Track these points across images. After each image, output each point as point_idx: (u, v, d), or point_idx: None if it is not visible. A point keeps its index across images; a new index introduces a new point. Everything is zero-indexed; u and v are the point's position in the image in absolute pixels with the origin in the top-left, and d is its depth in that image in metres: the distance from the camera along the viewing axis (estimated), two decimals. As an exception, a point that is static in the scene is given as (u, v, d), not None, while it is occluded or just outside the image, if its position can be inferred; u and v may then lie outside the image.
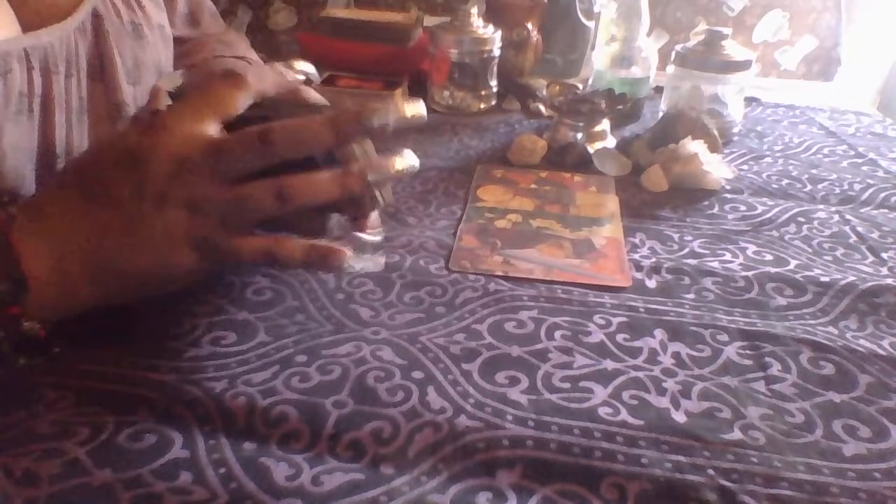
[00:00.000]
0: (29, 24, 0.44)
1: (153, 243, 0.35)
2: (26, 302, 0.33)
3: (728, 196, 0.63)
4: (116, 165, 0.35)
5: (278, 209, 0.35)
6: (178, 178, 0.34)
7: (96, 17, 0.49)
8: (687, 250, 0.53)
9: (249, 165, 0.35)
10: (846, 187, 0.66)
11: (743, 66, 0.75)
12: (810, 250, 0.54)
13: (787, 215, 0.60)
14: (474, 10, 0.82)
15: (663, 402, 0.37)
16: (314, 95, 0.42)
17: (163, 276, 0.36)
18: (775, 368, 0.40)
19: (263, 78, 0.38)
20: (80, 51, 0.48)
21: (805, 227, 0.58)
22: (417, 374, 0.38)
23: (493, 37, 0.83)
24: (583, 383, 0.38)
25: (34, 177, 0.46)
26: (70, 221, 0.34)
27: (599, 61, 0.85)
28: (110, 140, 0.36)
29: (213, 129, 0.36)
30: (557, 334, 0.42)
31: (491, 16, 0.87)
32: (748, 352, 0.41)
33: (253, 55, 0.71)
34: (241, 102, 0.37)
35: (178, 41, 0.63)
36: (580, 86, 0.80)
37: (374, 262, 0.38)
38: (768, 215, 0.60)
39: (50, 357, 0.36)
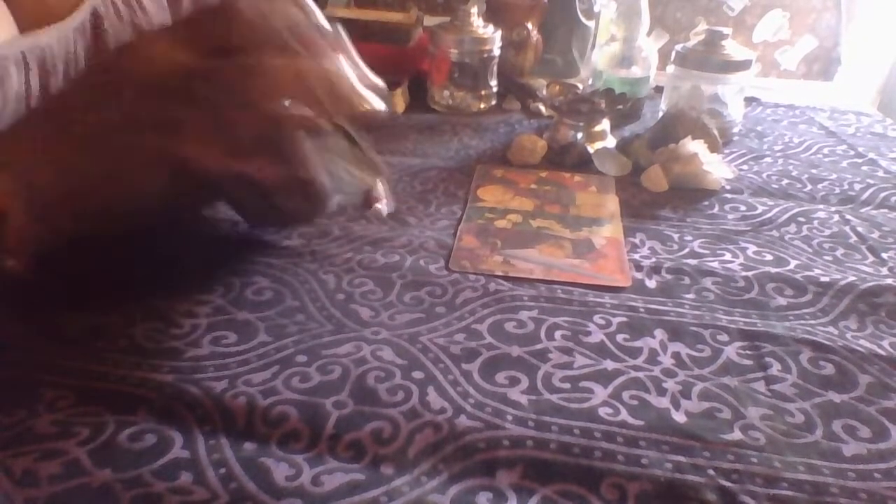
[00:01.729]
0: (26, 24, 0.44)
1: (127, 167, 0.34)
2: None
3: (728, 196, 0.63)
4: (92, 89, 0.34)
5: (262, 131, 0.34)
6: (152, 99, 0.33)
7: (96, 17, 0.49)
8: (687, 250, 0.53)
9: (231, 97, 0.33)
10: (846, 187, 0.66)
11: (743, 65, 0.75)
12: (810, 250, 0.54)
13: (787, 215, 0.60)
14: (474, 10, 0.82)
15: (663, 403, 0.37)
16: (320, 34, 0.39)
17: (140, 202, 0.36)
18: (775, 368, 0.40)
19: (265, 11, 0.36)
20: (80, 51, 0.48)
21: (805, 227, 0.58)
22: (417, 374, 0.38)
23: (493, 37, 0.83)
24: (583, 383, 0.38)
25: None
26: (44, 149, 0.34)
27: (599, 61, 0.85)
28: (91, 64, 0.36)
29: (191, 52, 0.34)
30: (557, 334, 0.42)
31: (491, 16, 0.87)
32: (748, 352, 0.41)
33: None
34: (227, 37, 0.35)
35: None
36: (580, 86, 0.80)
37: (354, 191, 0.37)
38: (768, 215, 0.60)
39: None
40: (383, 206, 0.45)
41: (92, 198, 0.34)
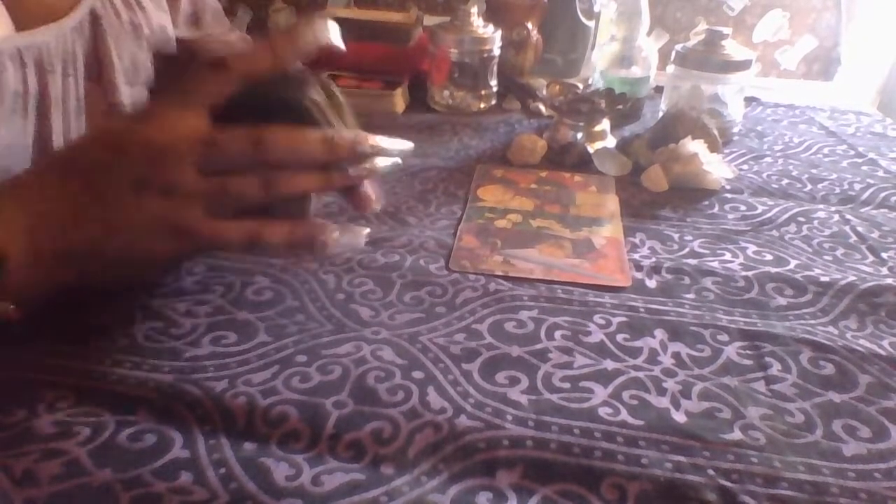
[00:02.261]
0: (24, 23, 0.44)
1: (129, 229, 0.35)
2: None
3: (728, 196, 0.63)
4: (102, 149, 0.35)
5: (262, 196, 0.35)
6: (160, 165, 0.34)
7: (94, 16, 0.49)
8: (687, 250, 0.53)
9: (235, 165, 0.35)
10: (846, 187, 0.66)
11: (743, 65, 0.75)
12: (810, 250, 0.54)
13: (787, 215, 0.60)
14: (474, 10, 0.82)
15: (663, 402, 0.37)
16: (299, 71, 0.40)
17: (140, 260, 0.36)
18: (775, 368, 0.40)
19: (250, 56, 0.37)
20: (77, 51, 0.48)
21: (805, 226, 0.58)
22: (417, 374, 0.38)
23: (493, 36, 0.83)
24: (583, 383, 0.38)
25: None
26: (48, 200, 0.34)
27: (599, 61, 0.85)
28: (104, 126, 0.37)
29: (201, 118, 0.35)
30: (557, 334, 0.42)
31: (491, 15, 0.87)
32: (748, 352, 0.41)
33: None
34: (228, 88, 0.36)
35: (178, 42, 0.63)
36: (580, 86, 0.80)
37: (357, 236, 0.38)
38: (768, 215, 0.60)
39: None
40: (376, 203, 0.44)
41: (92, 252, 0.35)
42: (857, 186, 0.66)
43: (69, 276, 0.35)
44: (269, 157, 0.35)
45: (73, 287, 0.36)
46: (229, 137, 0.35)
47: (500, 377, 0.38)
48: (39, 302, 0.35)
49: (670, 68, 0.79)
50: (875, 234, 0.57)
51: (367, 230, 0.39)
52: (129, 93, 0.52)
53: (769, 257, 0.52)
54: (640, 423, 0.35)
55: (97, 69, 0.50)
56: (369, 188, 0.41)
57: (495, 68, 0.86)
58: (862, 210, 0.61)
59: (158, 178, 0.34)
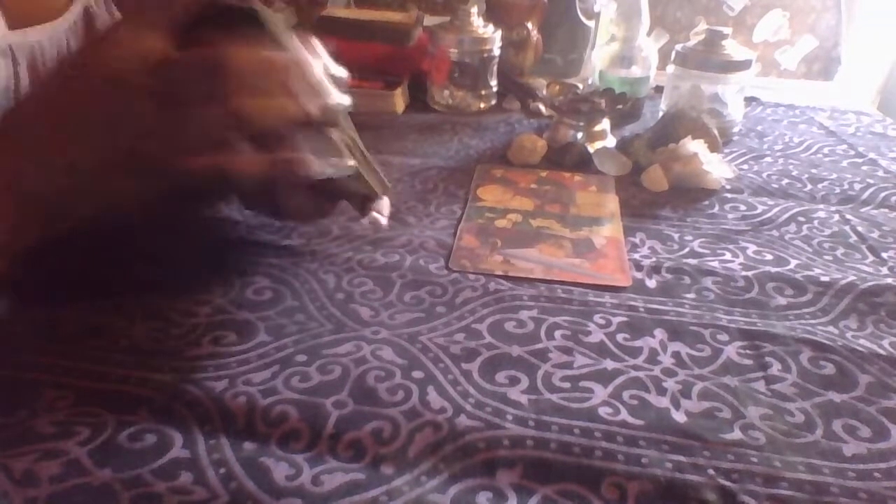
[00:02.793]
0: (18, 23, 0.44)
1: (88, 170, 0.33)
2: None
3: (728, 196, 0.63)
4: (60, 85, 0.34)
5: (231, 126, 0.32)
6: (115, 97, 0.32)
7: (88, 15, 0.49)
8: (687, 250, 0.53)
9: (196, 91, 0.32)
10: (846, 187, 0.66)
11: (743, 65, 0.75)
12: (810, 250, 0.54)
13: (787, 215, 0.60)
14: (474, 10, 0.82)
15: (663, 402, 0.37)
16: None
17: (118, 200, 0.35)
18: (775, 368, 0.40)
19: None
20: (72, 50, 0.48)
21: (805, 226, 0.58)
22: (417, 374, 0.38)
23: (493, 36, 0.83)
24: (583, 383, 0.38)
25: None
26: (24, 142, 0.33)
27: (599, 61, 0.85)
28: (61, 57, 0.35)
29: (158, 41, 0.33)
30: (557, 334, 0.42)
31: (491, 15, 0.87)
32: (748, 351, 0.41)
33: None
34: (193, 5, 0.34)
35: None
36: (580, 85, 0.80)
37: (341, 165, 0.36)
38: (768, 215, 0.60)
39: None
40: (383, 218, 0.45)
41: (73, 196, 0.34)
42: (857, 186, 0.66)
43: (55, 222, 0.34)
44: (230, 81, 0.32)
45: (59, 236, 0.34)
46: (184, 58, 0.32)
47: (500, 377, 0.38)
48: (23, 254, 0.34)
49: (670, 68, 0.79)
50: (875, 234, 0.57)
51: (352, 162, 0.36)
52: None
53: (769, 257, 0.52)
54: (640, 422, 0.35)
55: None
56: (382, 205, 0.40)
57: (495, 68, 0.86)
58: (862, 210, 0.61)
59: (116, 111, 0.32)
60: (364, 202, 0.44)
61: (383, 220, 0.45)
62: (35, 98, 0.36)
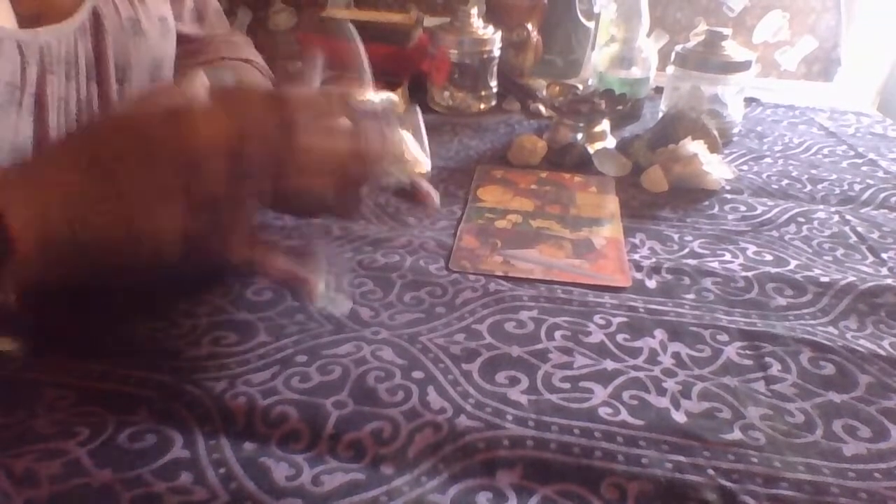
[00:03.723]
0: (28, 20, 0.44)
1: (145, 231, 0.33)
2: (3, 267, 0.31)
3: (728, 196, 0.63)
4: (128, 148, 0.33)
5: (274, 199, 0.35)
6: (189, 174, 0.32)
7: (96, 16, 0.49)
8: (687, 250, 0.53)
9: (265, 170, 0.34)
10: (846, 187, 0.66)
11: (743, 66, 0.75)
12: (810, 250, 0.54)
13: (787, 215, 0.60)
14: (474, 11, 0.82)
15: (663, 403, 0.37)
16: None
17: (149, 262, 0.35)
18: (775, 368, 0.40)
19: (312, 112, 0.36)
20: (80, 53, 0.48)
21: (805, 227, 0.58)
22: (417, 374, 0.38)
23: (493, 37, 0.83)
24: (583, 383, 0.38)
25: None
26: (62, 187, 0.32)
27: (599, 61, 0.85)
28: (127, 117, 0.34)
29: (235, 134, 0.33)
30: (557, 334, 0.42)
31: (491, 16, 0.87)
32: (748, 352, 0.41)
33: (257, 58, 0.71)
34: (273, 126, 0.35)
35: (185, 38, 0.63)
36: (580, 86, 0.80)
37: (340, 305, 0.40)
38: (768, 215, 0.60)
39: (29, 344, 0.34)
40: (435, 197, 0.46)
41: (101, 248, 0.33)
42: (857, 187, 0.66)
43: (74, 269, 0.34)
44: (296, 145, 0.34)
45: (76, 281, 0.35)
46: (259, 139, 0.34)
47: (500, 377, 0.38)
48: (41, 293, 0.34)
49: (670, 69, 0.80)
50: (875, 235, 0.57)
51: (349, 305, 0.41)
52: (118, 90, 0.52)
53: (769, 257, 0.52)
54: (640, 423, 0.35)
55: (96, 69, 0.50)
56: (427, 187, 0.41)
57: (495, 69, 0.86)
58: (862, 210, 0.61)
59: (185, 186, 0.32)
60: (414, 190, 0.46)
61: (437, 200, 0.46)
62: (92, 136, 0.35)
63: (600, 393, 0.37)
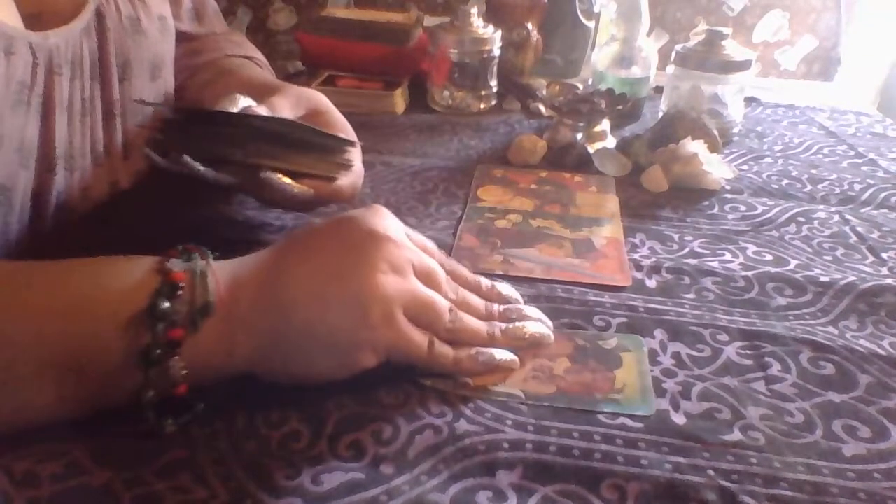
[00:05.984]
0: (29, 18, 0.44)
1: (331, 372, 0.35)
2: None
3: (728, 196, 0.63)
4: (341, 304, 0.34)
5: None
6: (388, 327, 0.35)
7: (99, 16, 0.49)
8: (687, 250, 0.53)
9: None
10: (846, 187, 0.66)
11: (743, 66, 0.75)
12: (810, 250, 0.54)
13: (787, 215, 0.60)
14: (474, 10, 0.82)
15: (663, 404, 0.37)
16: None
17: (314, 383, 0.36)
18: (775, 368, 0.40)
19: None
20: (85, 53, 0.48)
21: (805, 227, 0.58)
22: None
23: (493, 37, 0.83)
24: (583, 383, 0.38)
25: (31, 178, 0.45)
26: (262, 312, 0.34)
27: (599, 61, 0.85)
28: (338, 269, 0.35)
29: (416, 282, 0.37)
30: (557, 334, 0.42)
31: (491, 16, 0.87)
32: (748, 352, 0.41)
33: (260, 56, 0.71)
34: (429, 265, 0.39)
35: (185, 37, 0.63)
36: (580, 86, 0.80)
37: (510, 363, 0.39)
38: (768, 215, 0.60)
39: (194, 415, 0.34)
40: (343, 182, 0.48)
41: (285, 373, 0.35)
42: (857, 187, 0.66)
43: (245, 369, 0.35)
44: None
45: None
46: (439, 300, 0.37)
47: (500, 377, 0.38)
48: (209, 385, 0.34)
49: (670, 68, 0.79)
50: (875, 235, 0.57)
51: (516, 361, 0.39)
52: (119, 89, 0.52)
53: (769, 257, 0.52)
54: (639, 424, 0.35)
55: (99, 68, 0.50)
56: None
57: (495, 69, 0.86)
58: (862, 210, 0.61)
59: (384, 338, 0.35)
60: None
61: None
62: (305, 291, 0.35)
63: (600, 393, 0.37)
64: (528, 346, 0.40)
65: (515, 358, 0.39)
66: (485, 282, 0.43)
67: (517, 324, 0.40)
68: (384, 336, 0.34)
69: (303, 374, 0.35)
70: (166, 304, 0.31)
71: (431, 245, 0.41)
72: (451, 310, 0.38)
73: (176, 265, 0.33)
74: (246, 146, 0.42)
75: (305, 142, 0.45)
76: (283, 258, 0.36)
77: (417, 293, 0.36)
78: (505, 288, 0.44)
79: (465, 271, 0.43)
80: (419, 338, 0.36)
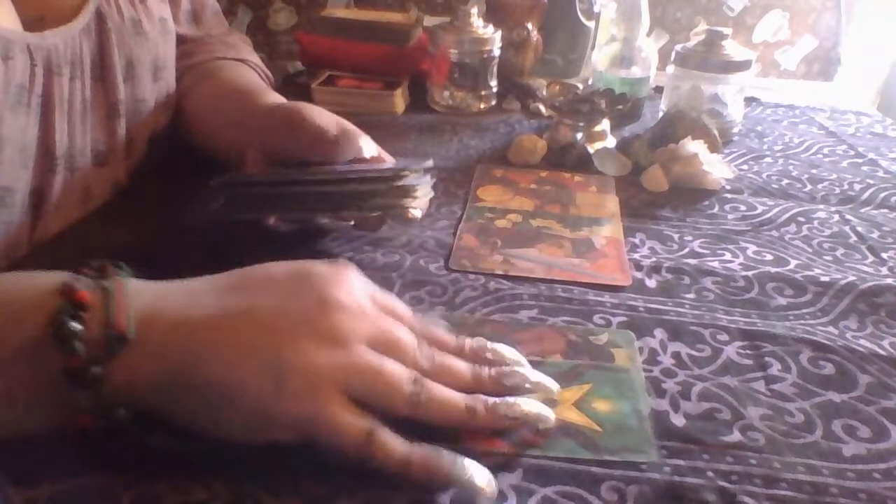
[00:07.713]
0: (31, 22, 0.44)
1: (241, 436, 0.31)
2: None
3: (728, 196, 0.63)
4: (259, 367, 0.30)
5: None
6: (310, 403, 0.30)
7: (100, 16, 0.49)
8: (687, 250, 0.53)
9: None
10: (846, 187, 0.66)
11: (743, 66, 0.75)
12: (810, 250, 0.54)
13: (787, 215, 0.60)
14: (474, 10, 0.82)
15: (663, 405, 0.37)
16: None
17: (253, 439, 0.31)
18: (775, 368, 0.40)
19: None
20: (85, 53, 0.48)
21: (805, 227, 0.58)
22: (417, 374, 0.38)
23: (493, 37, 0.83)
24: (583, 383, 0.38)
25: (31, 178, 0.45)
26: (173, 348, 0.30)
27: (599, 61, 0.85)
28: (271, 327, 0.31)
29: (363, 353, 0.32)
30: (557, 334, 0.42)
31: (491, 16, 0.87)
32: (748, 352, 0.41)
33: (255, 58, 0.71)
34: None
35: (181, 39, 0.63)
36: (580, 86, 0.80)
37: (475, 490, 0.30)
38: (768, 215, 0.60)
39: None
40: (416, 212, 0.49)
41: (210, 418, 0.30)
42: (857, 186, 0.66)
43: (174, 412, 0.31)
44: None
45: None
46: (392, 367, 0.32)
47: (500, 377, 0.38)
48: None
49: (670, 68, 0.80)
50: (875, 234, 0.57)
51: (492, 490, 0.31)
52: (123, 90, 0.52)
53: (769, 257, 0.52)
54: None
55: (100, 68, 0.50)
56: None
57: (495, 69, 0.86)
58: (862, 210, 0.61)
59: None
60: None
61: (418, 215, 0.49)
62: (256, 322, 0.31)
63: (600, 393, 0.37)
64: (519, 426, 0.34)
65: (549, 415, 0.34)
66: (472, 342, 0.36)
67: (509, 400, 0.33)
68: (302, 413, 0.29)
69: (211, 430, 0.30)
70: (73, 326, 0.28)
71: (403, 309, 0.36)
72: (415, 381, 0.32)
73: (82, 284, 0.30)
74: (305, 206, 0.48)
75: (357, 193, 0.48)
76: (217, 296, 0.33)
77: (361, 365, 0.31)
78: (506, 349, 0.37)
79: (445, 335, 0.36)
80: (352, 422, 0.30)
